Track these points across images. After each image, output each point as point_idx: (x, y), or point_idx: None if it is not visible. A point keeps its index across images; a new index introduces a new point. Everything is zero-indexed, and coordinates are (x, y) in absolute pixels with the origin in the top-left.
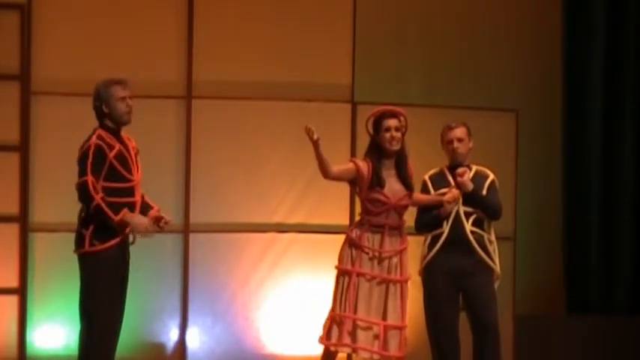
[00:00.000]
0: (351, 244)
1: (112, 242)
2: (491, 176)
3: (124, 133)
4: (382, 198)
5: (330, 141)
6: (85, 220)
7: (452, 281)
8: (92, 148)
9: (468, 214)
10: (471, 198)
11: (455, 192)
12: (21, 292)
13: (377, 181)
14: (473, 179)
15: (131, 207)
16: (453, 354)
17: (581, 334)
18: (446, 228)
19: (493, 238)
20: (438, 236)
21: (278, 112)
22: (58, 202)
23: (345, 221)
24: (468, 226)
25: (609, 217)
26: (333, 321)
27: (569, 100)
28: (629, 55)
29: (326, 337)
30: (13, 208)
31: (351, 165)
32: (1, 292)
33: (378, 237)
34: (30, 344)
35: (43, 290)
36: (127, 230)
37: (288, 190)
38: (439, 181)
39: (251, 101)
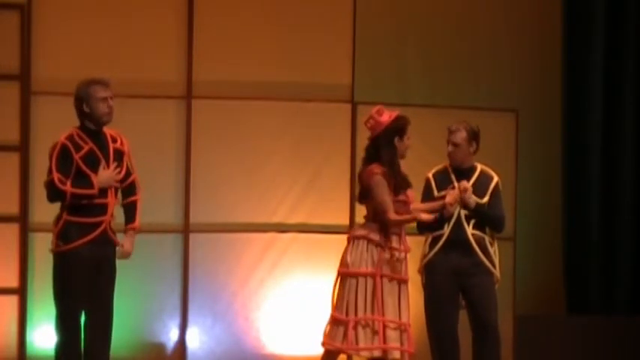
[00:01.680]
0: (372, 245)
1: (77, 243)
2: (496, 178)
3: (116, 132)
4: (407, 199)
5: (330, 141)
6: (56, 220)
7: (452, 281)
8: (57, 147)
9: (469, 216)
10: (473, 213)
11: (456, 193)
12: (21, 292)
13: (403, 185)
14: (477, 180)
15: (103, 207)
16: (453, 353)
17: (581, 334)
18: (447, 229)
19: (494, 240)
20: (439, 237)
21: (278, 112)
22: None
23: (345, 221)
24: (469, 229)
25: (609, 217)
26: (358, 324)
27: (569, 100)
28: (629, 54)
29: (355, 342)
30: (13, 208)
31: (386, 186)
32: (1, 292)
33: (396, 238)
34: (30, 344)
35: (43, 290)
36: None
37: (288, 190)
38: (442, 180)
39: (251, 101)
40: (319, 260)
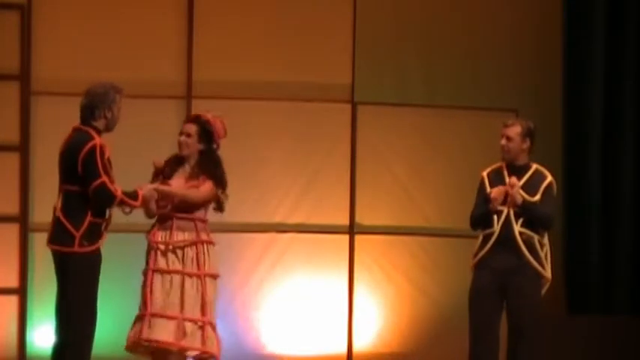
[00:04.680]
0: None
1: (100, 243)
2: (549, 178)
3: None
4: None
5: (330, 141)
6: (77, 220)
7: (497, 279)
8: (98, 148)
9: (518, 215)
10: (521, 210)
11: (502, 188)
12: (21, 292)
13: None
14: (530, 179)
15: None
16: (489, 351)
17: (581, 334)
18: (497, 228)
19: (545, 240)
20: (490, 235)
21: (278, 112)
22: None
23: (345, 221)
24: (517, 227)
25: (609, 217)
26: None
27: (569, 100)
28: (629, 55)
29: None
30: (13, 208)
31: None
32: (1, 292)
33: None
34: (30, 344)
35: (43, 290)
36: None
37: (288, 191)
38: (496, 179)
39: (251, 101)
40: (319, 260)
